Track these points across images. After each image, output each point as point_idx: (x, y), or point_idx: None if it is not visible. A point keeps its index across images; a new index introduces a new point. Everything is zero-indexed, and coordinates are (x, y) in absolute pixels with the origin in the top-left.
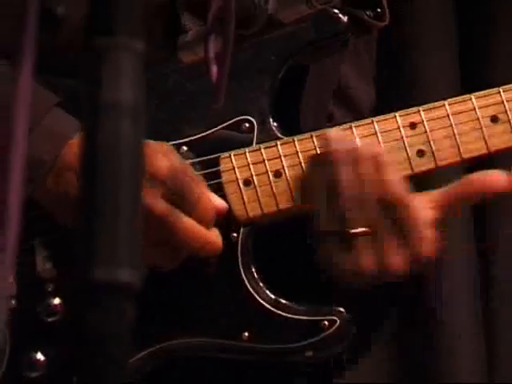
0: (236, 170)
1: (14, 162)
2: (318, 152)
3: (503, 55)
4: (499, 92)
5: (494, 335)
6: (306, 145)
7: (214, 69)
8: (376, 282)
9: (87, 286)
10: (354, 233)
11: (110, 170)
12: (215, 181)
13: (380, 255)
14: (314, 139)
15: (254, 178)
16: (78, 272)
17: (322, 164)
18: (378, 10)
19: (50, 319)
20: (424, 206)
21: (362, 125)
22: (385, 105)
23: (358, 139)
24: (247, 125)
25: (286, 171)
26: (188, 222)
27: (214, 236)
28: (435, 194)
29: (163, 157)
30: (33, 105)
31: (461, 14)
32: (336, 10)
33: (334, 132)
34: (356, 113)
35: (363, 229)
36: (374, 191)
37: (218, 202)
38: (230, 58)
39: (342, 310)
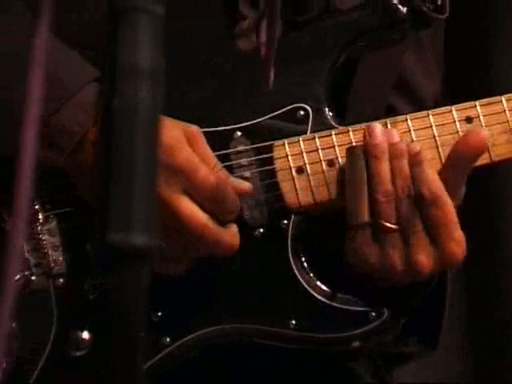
0: (289, 157)
1: (26, 128)
2: (355, 144)
3: None
4: None
5: None
6: (360, 135)
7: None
8: (403, 279)
9: (103, 251)
10: (386, 227)
11: (127, 135)
12: (268, 167)
13: (409, 252)
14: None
15: (307, 166)
16: (95, 237)
17: (359, 157)
18: (439, 2)
19: (96, 297)
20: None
21: (418, 117)
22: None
23: (397, 135)
24: (302, 112)
25: (340, 161)
26: (202, 218)
27: (229, 234)
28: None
29: (186, 149)
30: (72, 76)
31: None
32: (395, 1)
33: (373, 126)
34: (419, 106)
35: (395, 225)
36: (409, 187)
37: (242, 185)
38: (274, 43)
39: (390, 301)
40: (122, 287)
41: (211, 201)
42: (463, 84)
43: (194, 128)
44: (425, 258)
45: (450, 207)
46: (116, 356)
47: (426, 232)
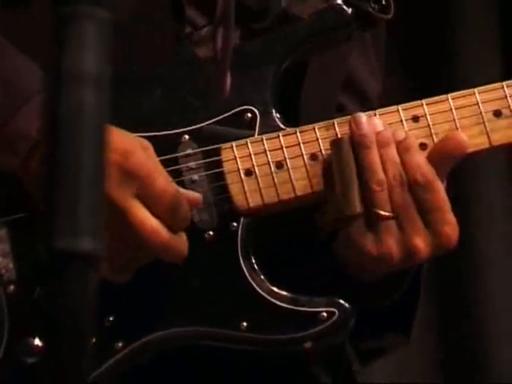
0: (237, 160)
1: None
2: (341, 137)
3: None
4: (503, 87)
5: None
6: (308, 136)
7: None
8: (399, 266)
9: (50, 256)
10: (381, 216)
11: (72, 140)
12: (216, 170)
13: (405, 238)
14: (317, 131)
15: (256, 168)
16: (40, 242)
17: (347, 148)
18: (383, 2)
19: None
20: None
21: None
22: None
23: (381, 123)
24: (250, 115)
25: (288, 162)
26: (153, 223)
27: (179, 241)
28: None
29: (142, 154)
30: (29, 81)
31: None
32: (340, 2)
33: (358, 116)
34: (367, 104)
35: (390, 213)
36: (401, 174)
37: (191, 195)
38: (230, 50)
39: (341, 301)
40: (69, 292)
41: (164, 208)
42: (424, 82)
43: (145, 140)
44: (422, 243)
45: (442, 191)
46: (64, 360)
47: (420, 217)
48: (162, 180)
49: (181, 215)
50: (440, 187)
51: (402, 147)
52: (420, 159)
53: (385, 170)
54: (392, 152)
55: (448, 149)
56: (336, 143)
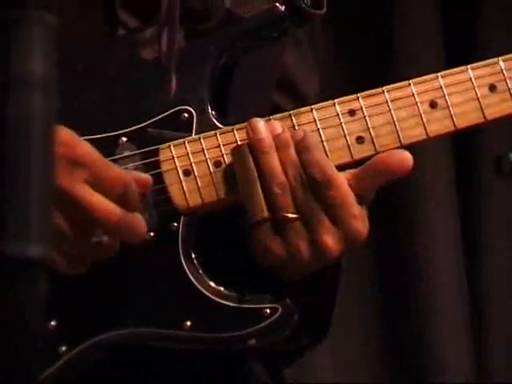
0: (175, 159)
1: None
2: (240, 143)
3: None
4: (437, 77)
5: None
6: (245, 134)
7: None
8: (312, 265)
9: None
10: (286, 218)
11: (21, 144)
12: (155, 171)
13: (314, 237)
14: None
15: (194, 167)
16: None
17: (246, 155)
18: None
19: None
20: (350, 184)
21: (301, 113)
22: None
23: (279, 125)
24: (186, 115)
25: (226, 160)
26: (106, 203)
27: (135, 219)
28: (355, 172)
29: (86, 144)
30: None
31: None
32: None
33: (254, 121)
34: (302, 102)
35: (294, 215)
36: (301, 174)
37: (141, 176)
38: (175, 51)
39: (284, 297)
40: (18, 297)
41: (114, 189)
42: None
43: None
44: (331, 240)
45: (343, 185)
46: (13, 365)
47: (326, 214)
48: (108, 164)
49: (132, 195)
50: (341, 182)
51: (300, 147)
52: (318, 157)
53: (285, 173)
54: (291, 153)
55: (388, 164)
56: (234, 150)
